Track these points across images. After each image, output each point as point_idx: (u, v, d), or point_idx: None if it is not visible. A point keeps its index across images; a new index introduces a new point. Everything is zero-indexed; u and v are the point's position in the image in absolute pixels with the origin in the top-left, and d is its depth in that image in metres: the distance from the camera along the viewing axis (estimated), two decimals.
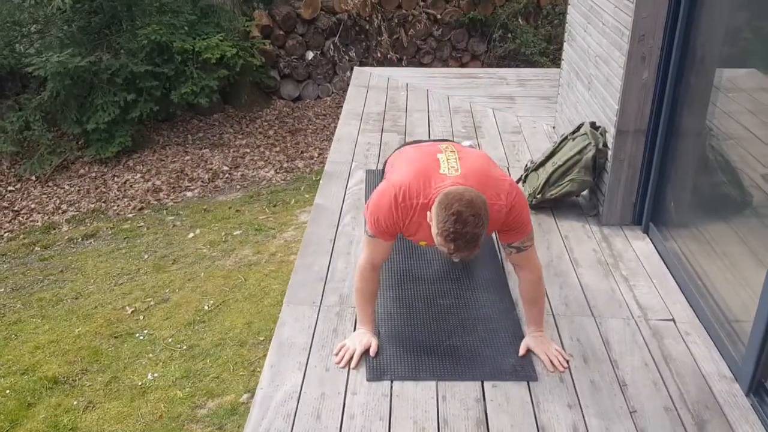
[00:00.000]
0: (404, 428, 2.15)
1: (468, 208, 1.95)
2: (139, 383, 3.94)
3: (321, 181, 3.81)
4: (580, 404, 2.26)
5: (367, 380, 2.33)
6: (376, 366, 2.39)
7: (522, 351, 2.45)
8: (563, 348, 2.51)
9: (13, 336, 4.54)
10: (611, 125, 3.28)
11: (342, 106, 8.80)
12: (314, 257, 3.07)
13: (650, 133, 3.19)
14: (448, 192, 2.03)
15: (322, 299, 2.76)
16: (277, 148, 7.85)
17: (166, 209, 6.57)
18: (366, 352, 2.42)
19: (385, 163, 2.75)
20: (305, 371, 2.38)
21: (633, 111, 3.17)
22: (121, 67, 7.09)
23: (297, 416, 2.19)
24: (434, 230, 2.03)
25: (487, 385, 2.33)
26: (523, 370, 2.39)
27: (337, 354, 2.44)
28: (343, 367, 2.39)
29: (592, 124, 3.45)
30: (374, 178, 3.83)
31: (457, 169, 2.18)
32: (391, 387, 2.31)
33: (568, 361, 2.44)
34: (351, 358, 2.40)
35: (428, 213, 2.11)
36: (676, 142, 3.12)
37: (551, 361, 2.41)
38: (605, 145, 3.34)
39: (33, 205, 6.78)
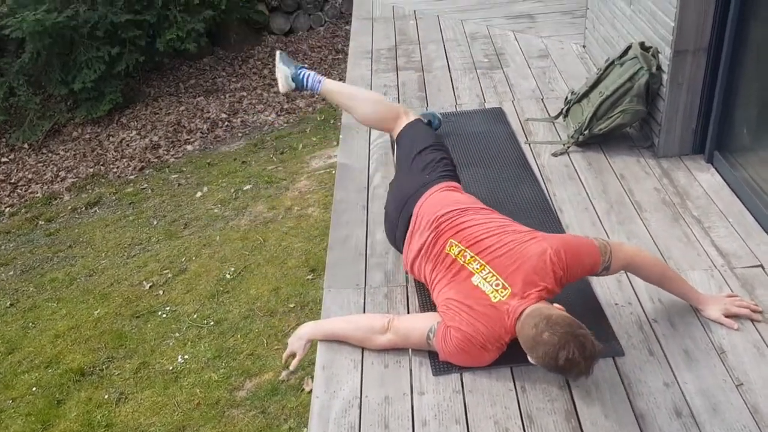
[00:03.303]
0: (485, 430, 1.90)
1: (576, 349, 1.82)
2: (170, 367, 3.72)
3: (341, 136, 3.46)
4: (677, 381, 2.00)
5: (433, 375, 2.07)
6: None
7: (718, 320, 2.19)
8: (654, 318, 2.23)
9: (31, 324, 4.31)
10: (665, 45, 2.90)
11: (337, 36, 8.38)
12: (349, 228, 2.76)
13: (713, 51, 2.81)
14: (546, 353, 1.84)
15: (366, 279, 2.47)
16: (275, 89, 7.40)
17: (168, 167, 6.23)
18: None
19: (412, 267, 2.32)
20: (362, 370, 2.11)
21: (692, 26, 2.78)
22: (100, 19, 6.61)
23: (362, 427, 1.94)
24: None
25: None
26: (608, 343, 2.12)
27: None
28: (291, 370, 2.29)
29: (642, 45, 3.06)
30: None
31: (504, 285, 2.01)
32: (462, 380, 2.05)
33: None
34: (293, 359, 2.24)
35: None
36: (745, 57, 2.74)
37: (741, 314, 2.18)
38: (659, 68, 2.97)
39: (30, 176, 6.44)
